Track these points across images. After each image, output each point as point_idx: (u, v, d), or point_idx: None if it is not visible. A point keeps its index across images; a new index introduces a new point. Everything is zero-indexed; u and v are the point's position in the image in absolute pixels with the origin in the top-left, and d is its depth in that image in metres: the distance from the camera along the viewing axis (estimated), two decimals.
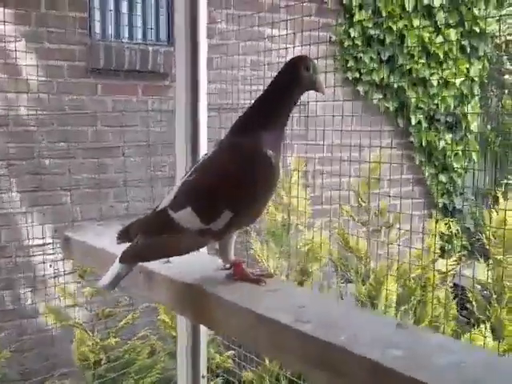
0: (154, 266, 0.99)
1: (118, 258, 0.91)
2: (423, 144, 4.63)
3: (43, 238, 3.61)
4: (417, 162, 4.72)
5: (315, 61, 0.97)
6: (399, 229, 3.37)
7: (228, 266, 0.97)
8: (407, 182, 4.51)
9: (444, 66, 4.65)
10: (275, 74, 0.99)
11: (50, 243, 3.64)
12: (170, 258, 0.99)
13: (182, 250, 0.91)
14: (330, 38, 4.39)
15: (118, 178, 3.90)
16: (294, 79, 0.93)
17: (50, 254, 3.62)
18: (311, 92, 1.00)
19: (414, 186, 4.65)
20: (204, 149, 1.41)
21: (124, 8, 3.94)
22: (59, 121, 3.68)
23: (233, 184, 0.87)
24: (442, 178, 4.67)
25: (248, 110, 0.98)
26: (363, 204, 3.48)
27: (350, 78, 4.44)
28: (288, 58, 1.00)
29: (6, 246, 3.58)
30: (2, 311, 3.51)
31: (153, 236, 0.91)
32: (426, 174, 4.71)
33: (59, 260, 3.57)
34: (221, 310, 0.84)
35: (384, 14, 4.38)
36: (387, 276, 3.20)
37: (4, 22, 3.31)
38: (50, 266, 3.70)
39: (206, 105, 1.42)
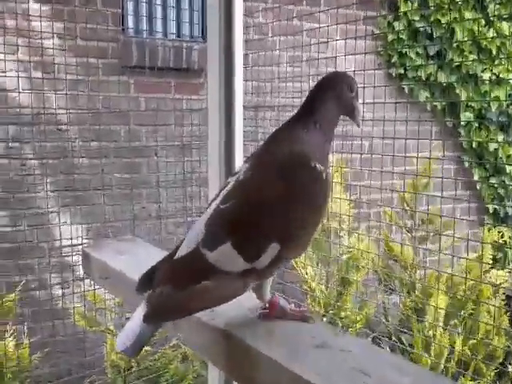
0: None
1: (138, 315, 0.72)
2: (473, 145, 4.33)
3: (76, 238, 3.54)
4: (466, 165, 4.42)
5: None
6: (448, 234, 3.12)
7: (264, 305, 0.80)
8: (455, 185, 4.23)
9: (496, 62, 4.33)
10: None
11: (81, 244, 3.58)
12: None
13: (220, 300, 0.73)
14: (373, 31, 4.15)
15: (151, 179, 3.80)
16: (336, 98, 0.81)
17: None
18: None
19: (463, 190, 4.36)
20: (240, 151, 1.25)
21: (158, 0, 3.82)
22: (92, 119, 3.60)
23: (281, 209, 0.72)
24: (493, 181, 4.35)
25: (286, 123, 0.84)
26: (408, 209, 3.25)
27: (394, 75, 4.19)
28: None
29: (40, 245, 3.54)
30: (35, 312, 3.47)
31: (183, 286, 0.72)
32: (476, 177, 4.40)
33: None
34: (259, 368, 0.67)
35: (432, 6, 4.10)
36: (436, 286, 2.97)
37: (29, 15, 3.24)
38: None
39: (242, 103, 1.26)
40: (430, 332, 3.08)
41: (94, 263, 1.15)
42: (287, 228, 0.73)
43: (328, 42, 3.72)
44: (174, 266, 0.76)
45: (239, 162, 1.23)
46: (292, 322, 0.76)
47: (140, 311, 0.73)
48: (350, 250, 3.20)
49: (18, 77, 3.26)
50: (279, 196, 0.72)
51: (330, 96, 0.80)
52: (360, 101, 0.86)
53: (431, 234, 3.18)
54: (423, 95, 4.17)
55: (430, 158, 2.94)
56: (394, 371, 0.62)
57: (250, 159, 0.82)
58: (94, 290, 3.20)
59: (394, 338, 3.16)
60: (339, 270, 3.25)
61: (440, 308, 3.04)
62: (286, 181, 0.73)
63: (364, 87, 3.34)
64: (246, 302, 0.82)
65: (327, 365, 0.63)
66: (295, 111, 0.85)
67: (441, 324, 3.08)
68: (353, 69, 3.76)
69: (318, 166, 0.75)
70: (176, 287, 0.72)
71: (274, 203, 0.72)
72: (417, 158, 2.79)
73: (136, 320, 0.72)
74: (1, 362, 2.70)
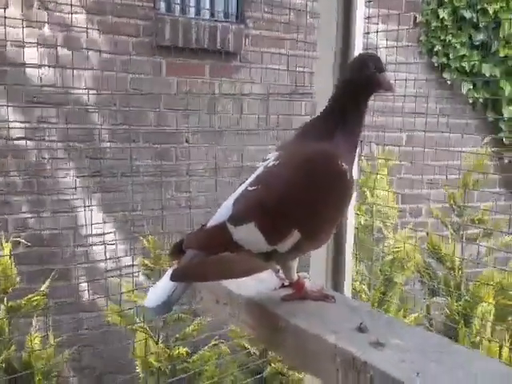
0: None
1: (167, 276, 0.78)
2: None
3: (101, 227, 3.34)
4: (506, 161, 4.26)
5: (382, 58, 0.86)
6: None
7: (287, 283, 0.89)
8: (494, 183, 4.08)
9: None
10: None
11: (109, 233, 3.39)
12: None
13: (241, 273, 0.82)
14: (416, 17, 3.94)
15: (181, 167, 3.59)
16: (361, 80, 0.83)
17: (110, 244, 3.35)
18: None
19: (502, 188, 4.21)
20: None
21: None
22: (121, 101, 3.38)
23: (304, 200, 0.77)
24: None
25: (319, 114, 0.87)
26: (457, 208, 3.09)
27: (436, 64, 3.99)
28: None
29: (64, 233, 3.34)
30: (59, 304, 3.28)
31: (209, 253, 0.79)
32: None
33: (120, 252, 3.32)
34: None
35: None
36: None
37: None
38: (111, 259, 3.44)
39: None
40: (477, 338, 2.94)
41: (208, 286, 0.97)
42: (308, 218, 0.77)
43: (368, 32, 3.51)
44: (203, 234, 0.82)
45: None
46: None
47: (169, 272, 0.78)
48: (396, 250, 3.03)
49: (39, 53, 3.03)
50: (304, 188, 0.76)
51: (358, 84, 0.82)
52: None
53: (481, 232, 3.03)
54: (466, 87, 3.99)
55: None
56: None
57: (281, 149, 0.86)
58: (120, 280, 3.02)
59: None
60: (382, 270, 3.08)
61: (488, 313, 2.91)
62: (311, 175, 0.77)
63: (406, 79, 3.19)
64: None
65: None
66: None
67: (488, 329, 2.94)
68: (394, 57, 3.58)
69: (343, 164, 0.77)
70: (202, 252, 0.79)
71: (299, 194, 0.76)
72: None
73: (165, 280, 0.77)
74: (29, 361, 2.51)
